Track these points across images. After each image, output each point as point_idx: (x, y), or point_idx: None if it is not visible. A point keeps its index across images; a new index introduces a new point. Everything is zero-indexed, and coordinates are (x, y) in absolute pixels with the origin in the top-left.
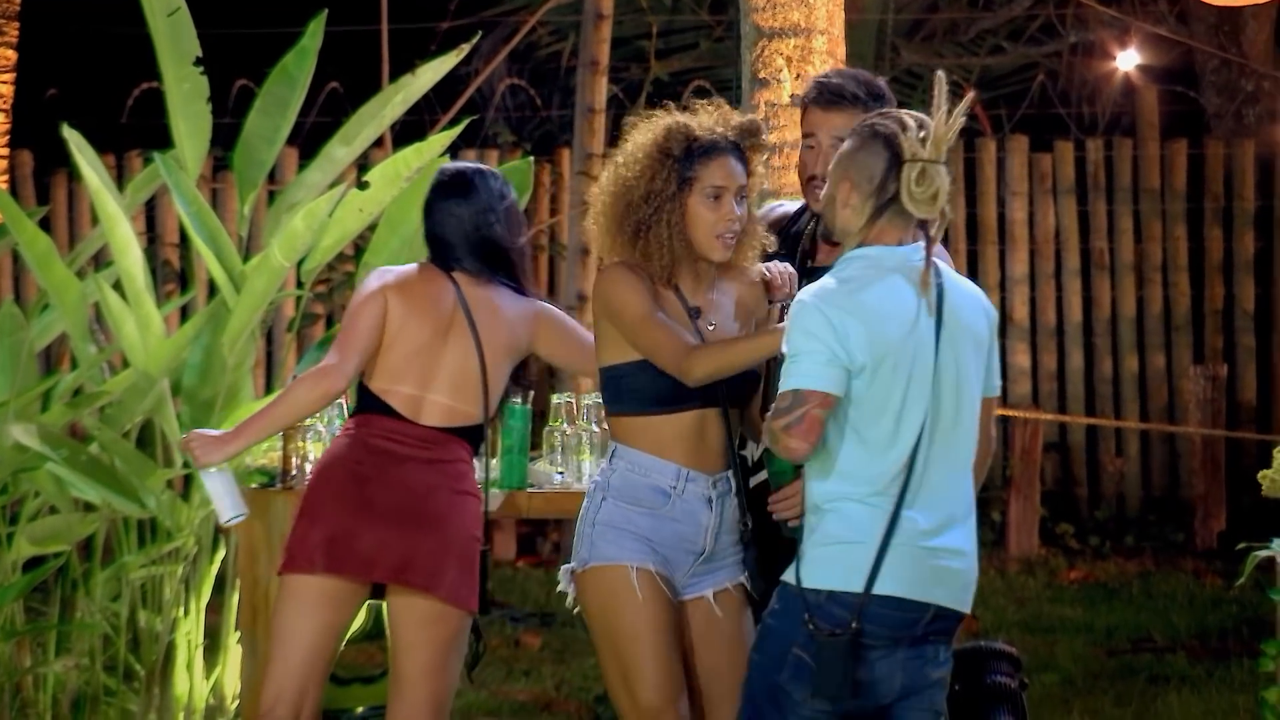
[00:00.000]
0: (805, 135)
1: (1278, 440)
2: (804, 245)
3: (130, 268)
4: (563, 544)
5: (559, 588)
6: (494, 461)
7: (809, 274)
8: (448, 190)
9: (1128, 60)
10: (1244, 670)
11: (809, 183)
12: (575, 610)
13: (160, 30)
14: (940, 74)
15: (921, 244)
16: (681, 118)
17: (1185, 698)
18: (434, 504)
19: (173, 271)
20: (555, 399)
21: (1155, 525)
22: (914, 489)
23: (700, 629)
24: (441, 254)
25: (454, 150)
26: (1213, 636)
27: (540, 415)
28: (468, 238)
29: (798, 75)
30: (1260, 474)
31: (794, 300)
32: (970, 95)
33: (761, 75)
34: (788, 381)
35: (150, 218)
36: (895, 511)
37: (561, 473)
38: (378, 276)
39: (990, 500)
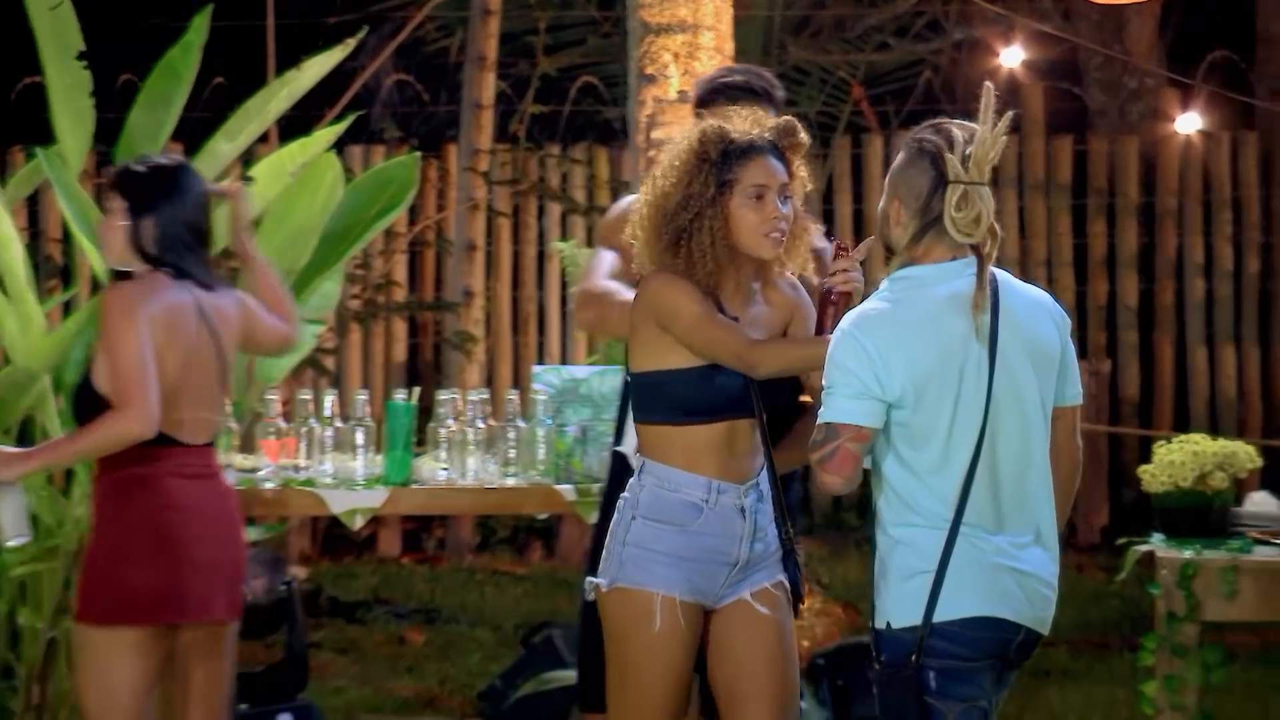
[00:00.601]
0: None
1: (1160, 435)
2: None
3: (11, 263)
4: (448, 540)
5: (586, 597)
6: (378, 458)
7: None
8: (161, 188)
9: (1012, 57)
10: (1124, 663)
11: None
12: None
13: (43, 24)
14: (988, 85)
15: (972, 259)
16: (716, 122)
17: (1067, 691)
18: (229, 525)
19: (55, 267)
20: (441, 395)
21: None
22: (986, 511)
23: (738, 626)
24: (167, 260)
25: (340, 145)
26: (1094, 630)
27: (425, 411)
28: (190, 237)
29: (685, 71)
30: (1141, 469)
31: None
32: (1010, 114)
33: (649, 71)
34: (822, 414)
35: (33, 213)
36: (955, 533)
37: (446, 469)
38: (122, 305)
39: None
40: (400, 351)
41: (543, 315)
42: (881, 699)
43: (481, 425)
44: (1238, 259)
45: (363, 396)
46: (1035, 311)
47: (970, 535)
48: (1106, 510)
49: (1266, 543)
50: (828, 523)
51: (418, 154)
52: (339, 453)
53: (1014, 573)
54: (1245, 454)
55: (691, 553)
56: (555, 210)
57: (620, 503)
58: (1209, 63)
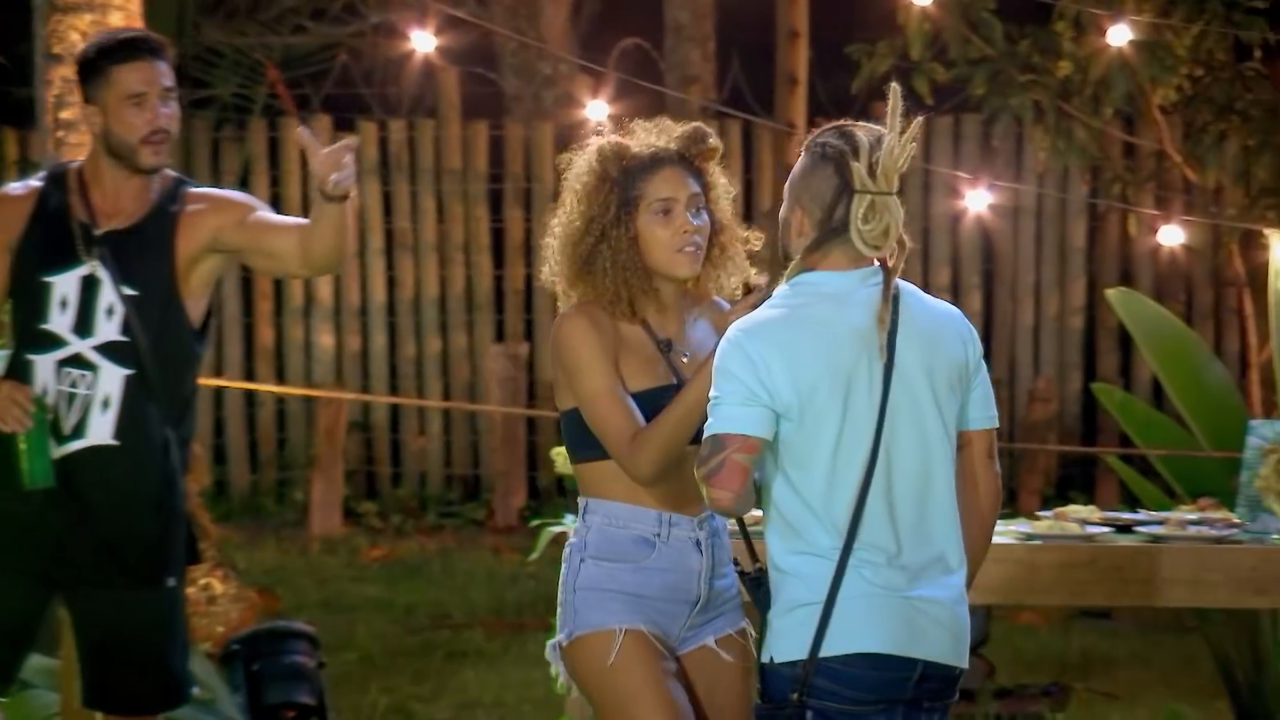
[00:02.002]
0: (133, 95)
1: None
2: (79, 219)
3: None
4: None
5: (551, 669)
6: None
7: (99, 242)
8: None
9: (425, 42)
10: (539, 644)
11: (150, 138)
12: (572, 692)
13: None
14: (895, 86)
15: (872, 269)
16: (615, 137)
17: (482, 673)
18: None
19: None
20: None
21: (457, 503)
22: (881, 538)
23: (704, 676)
24: None
25: None
26: (509, 611)
27: None
28: None
29: None
30: (554, 451)
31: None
32: (919, 120)
33: (56, 50)
34: (708, 426)
35: None
36: (844, 563)
37: None
38: None
39: (293, 480)
40: None
41: None
42: None
43: None
44: None
45: None
46: (940, 327)
47: (862, 566)
48: (524, 492)
49: None
50: (244, 508)
51: None
52: None
53: (909, 603)
54: None
55: (648, 590)
56: None
57: (566, 550)
58: (620, 50)
